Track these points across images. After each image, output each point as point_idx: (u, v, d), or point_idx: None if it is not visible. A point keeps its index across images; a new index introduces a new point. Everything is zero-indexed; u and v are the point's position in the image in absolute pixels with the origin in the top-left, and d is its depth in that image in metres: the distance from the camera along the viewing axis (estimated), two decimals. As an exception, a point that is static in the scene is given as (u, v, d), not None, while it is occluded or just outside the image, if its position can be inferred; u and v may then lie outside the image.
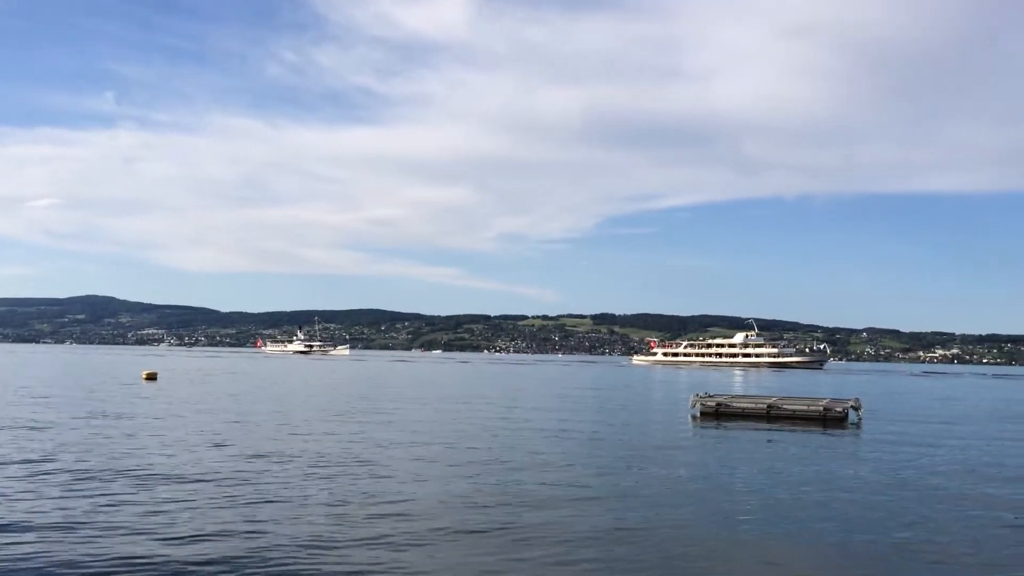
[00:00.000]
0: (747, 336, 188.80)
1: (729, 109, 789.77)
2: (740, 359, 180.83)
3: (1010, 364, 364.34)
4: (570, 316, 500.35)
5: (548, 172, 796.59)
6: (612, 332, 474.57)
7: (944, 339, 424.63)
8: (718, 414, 37.09)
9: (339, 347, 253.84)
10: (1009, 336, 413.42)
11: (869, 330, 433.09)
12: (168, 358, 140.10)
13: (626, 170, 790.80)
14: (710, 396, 39.49)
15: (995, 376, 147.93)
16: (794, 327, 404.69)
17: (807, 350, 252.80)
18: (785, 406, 37.44)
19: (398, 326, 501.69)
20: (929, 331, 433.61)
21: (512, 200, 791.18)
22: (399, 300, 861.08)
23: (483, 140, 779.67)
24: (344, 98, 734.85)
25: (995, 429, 34.87)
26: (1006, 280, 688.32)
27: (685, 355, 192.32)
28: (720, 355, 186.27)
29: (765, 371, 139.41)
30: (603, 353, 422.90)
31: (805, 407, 37.26)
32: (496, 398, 48.78)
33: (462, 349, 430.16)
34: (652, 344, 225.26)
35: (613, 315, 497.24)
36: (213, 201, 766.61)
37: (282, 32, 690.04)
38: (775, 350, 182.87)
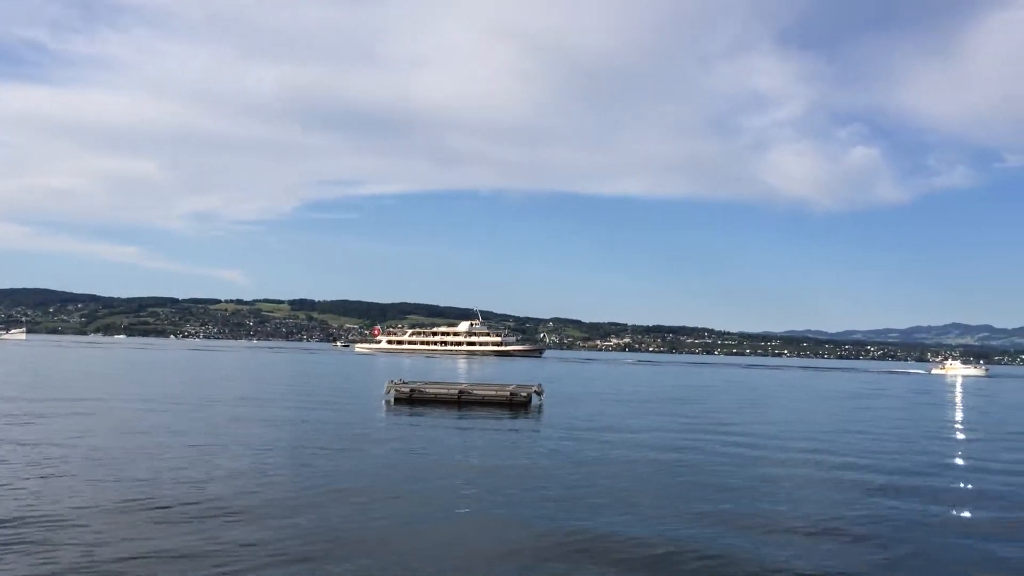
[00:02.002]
0: (472, 325, 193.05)
1: (432, 101, 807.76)
2: (465, 347, 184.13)
3: (671, 352, 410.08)
4: (266, 301, 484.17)
5: (244, 150, 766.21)
6: (311, 318, 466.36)
7: (618, 329, 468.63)
8: (411, 400, 37.68)
9: (13, 330, 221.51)
10: (671, 327, 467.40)
11: (555, 320, 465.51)
12: None
13: (328, 153, 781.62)
14: (404, 383, 39.97)
15: (693, 364, 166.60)
16: (487, 316, 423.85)
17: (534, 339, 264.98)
18: (475, 392, 38.90)
19: (69, 308, 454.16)
20: (606, 322, 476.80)
21: (205, 177, 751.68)
22: (71, 279, 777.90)
23: (175, 112, 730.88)
24: (9, 52, 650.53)
25: (663, 409, 38.87)
26: (671, 276, 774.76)
27: (410, 343, 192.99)
28: (445, 343, 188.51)
29: (489, 359, 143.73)
30: (301, 339, 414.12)
31: (493, 392, 38.93)
32: (179, 392, 45.58)
33: (145, 334, 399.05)
34: (376, 332, 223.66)
35: (312, 301, 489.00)
36: None
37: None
38: (499, 339, 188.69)
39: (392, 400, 37.62)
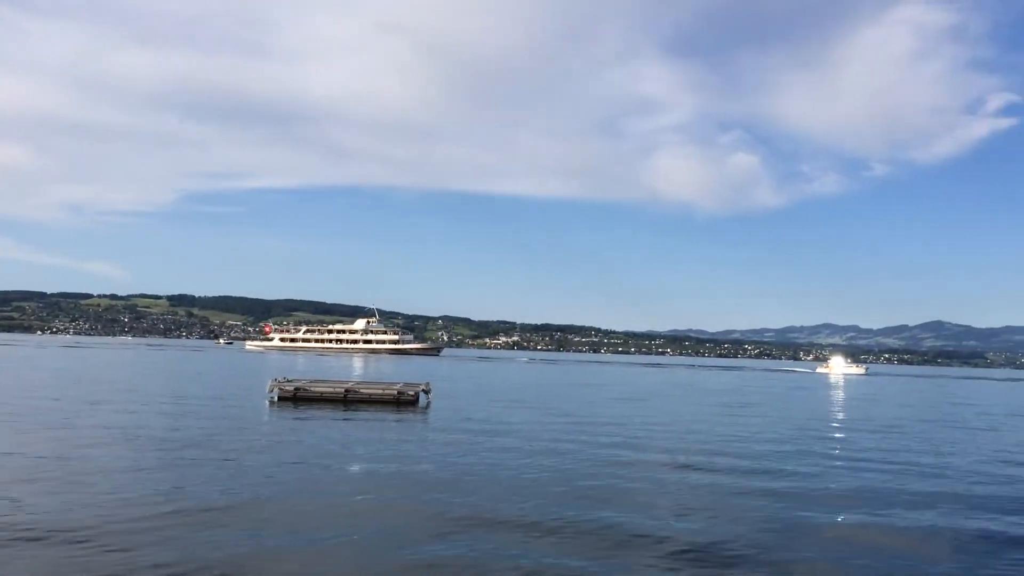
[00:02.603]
0: (368, 323, 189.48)
1: (321, 95, 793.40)
2: (361, 345, 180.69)
3: (559, 350, 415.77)
4: (143, 296, 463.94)
5: (122, 138, 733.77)
6: (190, 315, 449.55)
7: (507, 327, 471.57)
8: (296, 398, 36.76)
9: None
10: (559, 326, 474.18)
11: (444, 318, 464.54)
12: None
13: (211, 145, 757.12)
14: (288, 380, 38.98)
15: (588, 362, 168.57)
16: (372, 314, 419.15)
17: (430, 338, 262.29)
18: (362, 390, 38.29)
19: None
20: (495, 320, 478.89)
21: (78, 165, 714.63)
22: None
23: (44, 96, 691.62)
24: None
25: (550, 407, 39.19)
26: (559, 276, 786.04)
27: (304, 341, 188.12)
28: (341, 341, 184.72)
29: (385, 357, 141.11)
30: (180, 336, 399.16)
31: (381, 391, 38.41)
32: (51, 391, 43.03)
33: (10, 330, 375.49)
34: (267, 329, 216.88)
35: (192, 296, 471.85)
36: None
37: None
38: (396, 337, 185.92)
39: (275, 399, 36.57)
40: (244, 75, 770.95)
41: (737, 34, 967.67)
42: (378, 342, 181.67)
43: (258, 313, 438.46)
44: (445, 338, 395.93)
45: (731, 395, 58.30)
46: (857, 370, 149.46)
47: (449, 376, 71.26)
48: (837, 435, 30.72)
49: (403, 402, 36.97)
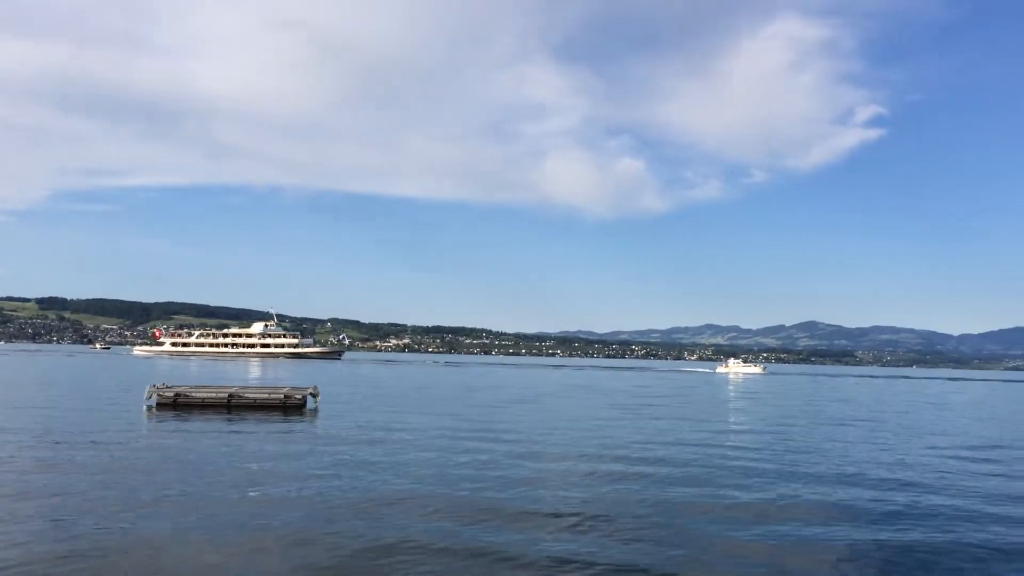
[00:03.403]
0: (266, 326, 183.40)
1: (206, 91, 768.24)
2: (259, 349, 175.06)
3: (450, 352, 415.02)
4: (9, 299, 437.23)
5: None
6: (62, 318, 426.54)
7: (398, 330, 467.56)
8: (176, 405, 35.43)
9: None
10: (451, 328, 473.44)
11: (333, 320, 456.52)
12: None
13: (86, 140, 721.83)
14: (168, 387, 37.45)
15: (493, 364, 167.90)
16: (263, 316, 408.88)
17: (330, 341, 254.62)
18: (247, 395, 37.22)
19: None
20: (386, 322, 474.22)
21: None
22: None
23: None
24: None
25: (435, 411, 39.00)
26: (451, 278, 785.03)
27: (197, 345, 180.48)
28: (236, 345, 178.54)
29: (283, 361, 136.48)
30: (51, 341, 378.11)
31: (266, 395, 37.43)
32: None
33: None
34: (157, 333, 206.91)
35: (64, 299, 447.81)
36: None
37: None
38: (295, 341, 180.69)
39: (154, 406, 35.07)
40: (126, 69, 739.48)
41: (626, 42, 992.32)
42: (276, 346, 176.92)
43: (136, 316, 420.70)
44: (334, 341, 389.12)
45: (632, 396, 59.50)
46: (755, 369, 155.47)
47: (348, 380, 70.17)
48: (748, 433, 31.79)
49: (290, 406, 36.14)
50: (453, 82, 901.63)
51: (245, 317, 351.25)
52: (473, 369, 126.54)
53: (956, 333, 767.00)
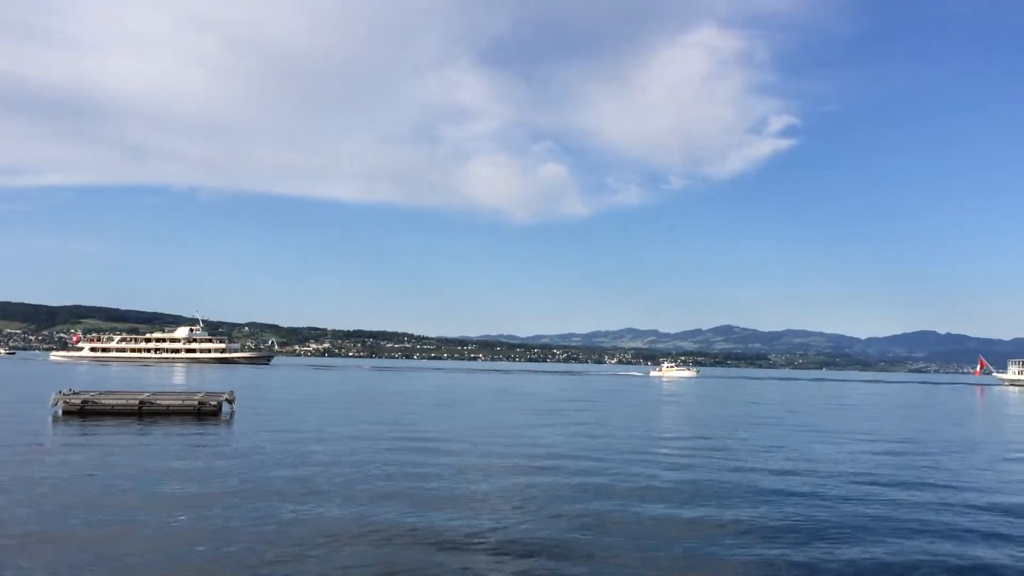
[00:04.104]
0: (192, 331, 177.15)
1: (121, 89, 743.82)
2: (184, 355, 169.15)
3: (371, 357, 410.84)
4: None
5: None
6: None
7: (318, 334, 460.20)
8: (83, 413, 34.11)
9: None
10: (372, 332, 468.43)
11: (251, 324, 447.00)
12: None
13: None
14: (75, 393, 36.03)
15: (427, 369, 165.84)
16: (176, 320, 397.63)
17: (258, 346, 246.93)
18: (159, 402, 36.10)
19: None
20: (305, 326, 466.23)
21: None
22: None
23: None
24: None
25: (353, 413, 38.55)
26: (372, 282, 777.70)
27: (119, 351, 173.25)
28: (160, 351, 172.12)
29: (211, 367, 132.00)
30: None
31: (180, 402, 36.41)
32: None
33: None
34: (75, 338, 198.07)
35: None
36: None
37: None
38: (222, 346, 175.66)
39: (60, 414, 33.72)
40: (33, 65, 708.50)
41: (550, 48, 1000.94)
42: (203, 351, 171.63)
43: (41, 320, 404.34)
44: (251, 345, 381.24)
45: (568, 401, 59.87)
46: (689, 373, 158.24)
47: (274, 385, 68.86)
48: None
49: (204, 413, 35.23)
50: (378, 84, 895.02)
51: (157, 321, 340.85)
52: (405, 374, 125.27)
53: (863, 337, 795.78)
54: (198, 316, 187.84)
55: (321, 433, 28.94)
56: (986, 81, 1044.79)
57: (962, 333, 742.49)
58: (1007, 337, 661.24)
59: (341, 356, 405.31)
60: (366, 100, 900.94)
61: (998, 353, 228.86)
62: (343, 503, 15.86)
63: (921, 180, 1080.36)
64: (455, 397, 58.32)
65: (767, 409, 53.53)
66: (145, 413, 34.64)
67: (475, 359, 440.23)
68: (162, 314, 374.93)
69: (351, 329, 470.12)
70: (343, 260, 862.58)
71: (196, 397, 36.84)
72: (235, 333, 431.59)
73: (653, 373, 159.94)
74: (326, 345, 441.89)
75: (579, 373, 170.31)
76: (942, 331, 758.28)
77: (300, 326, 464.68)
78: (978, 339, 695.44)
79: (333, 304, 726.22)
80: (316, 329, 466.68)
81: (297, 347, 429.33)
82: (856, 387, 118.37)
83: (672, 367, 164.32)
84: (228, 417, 34.50)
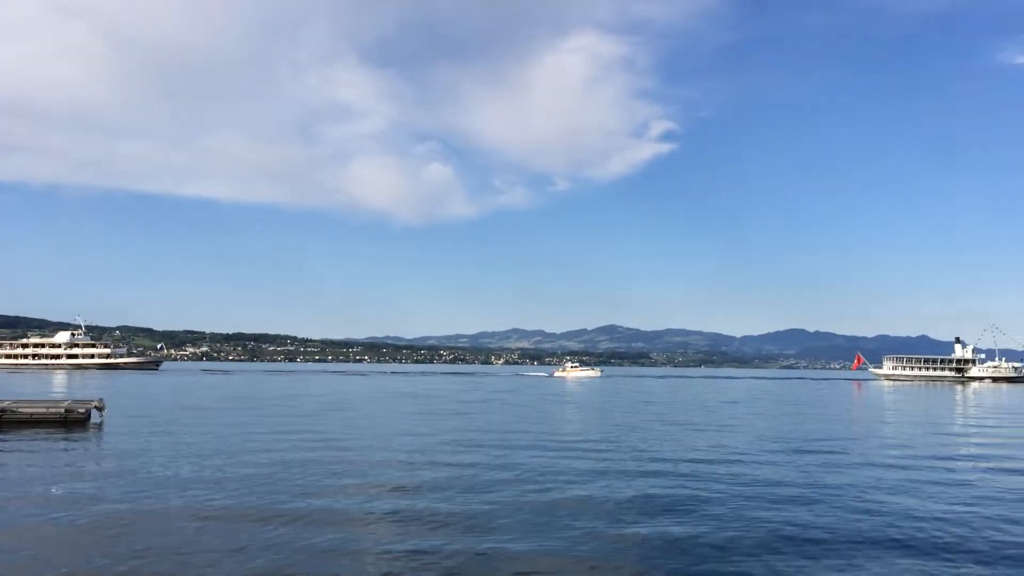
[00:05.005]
0: (73, 335, 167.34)
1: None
2: (64, 360, 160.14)
3: (252, 360, 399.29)
4: None
5: None
6: None
7: (195, 338, 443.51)
8: (-66, 424, 31.62)
9: None
10: (252, 335, 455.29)
11: (122, 328, 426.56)
12: None
13: None
14: (-76, 403, 33.38)
15: (328, 372, 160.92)
16: (42, 324, 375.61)
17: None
18: (22, 410, 33.89)
19: None
20: (181, 330, 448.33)
21: None
22: None
23: None
24: None
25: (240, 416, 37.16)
26: (252, 283, 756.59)
27: None
28: (38, 356, 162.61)
29: (94, 373, 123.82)
30: None
31: (45, 409, 34.31)
32: None
33: None
34: None
35: None
36: None
37: None
38: (107, 351, 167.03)
39: (-93, 425, 31.10)
40: None
41: (435, 49, 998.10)
42: (85, 356, 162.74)
43: None
44: (127, 348, 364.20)
45: (503, 404, 59.41)
46: (592, 373, 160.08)
47: (156, 391, 65.80)
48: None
49: (71, 421, 33.24)
50: (259, 79, 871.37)
51: (21, 325, 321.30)
52: (295, 376, 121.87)
53: (739, 335, 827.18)
54: (80, 320, 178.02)
55: (198, 443, 27.65)
56: (851, 89, 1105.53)
57: (830, 331, 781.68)
58: (871, 334, 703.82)
59: (220, 360, 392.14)
60: (243, 97, 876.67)
61: (861, 349, 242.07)
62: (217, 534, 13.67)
63: (789, 185, 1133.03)
64: (369, 409, 57.04)
65: (682, 409, 54.71)
66: (5, 422, 32.41)
67: (360, 361, 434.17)
68: (24, 317, 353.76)
69: (230, 332, 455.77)
70: (220, 261, 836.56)
71: (63, 405, 34.74)
72: (105, 336, 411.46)
73: (557, 373, 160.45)
74: (204, 349, 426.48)
75: (471, 374, 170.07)
76: (811, 329, 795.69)
77: (176, 329, 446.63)
78: (844, 336, 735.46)
79: (211, 307, 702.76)
80: (193, 332, 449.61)
81: (173, 351, 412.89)
82: (744, 383, 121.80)
83: (576, 367, 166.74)
84: (98, 426, 32.62)
